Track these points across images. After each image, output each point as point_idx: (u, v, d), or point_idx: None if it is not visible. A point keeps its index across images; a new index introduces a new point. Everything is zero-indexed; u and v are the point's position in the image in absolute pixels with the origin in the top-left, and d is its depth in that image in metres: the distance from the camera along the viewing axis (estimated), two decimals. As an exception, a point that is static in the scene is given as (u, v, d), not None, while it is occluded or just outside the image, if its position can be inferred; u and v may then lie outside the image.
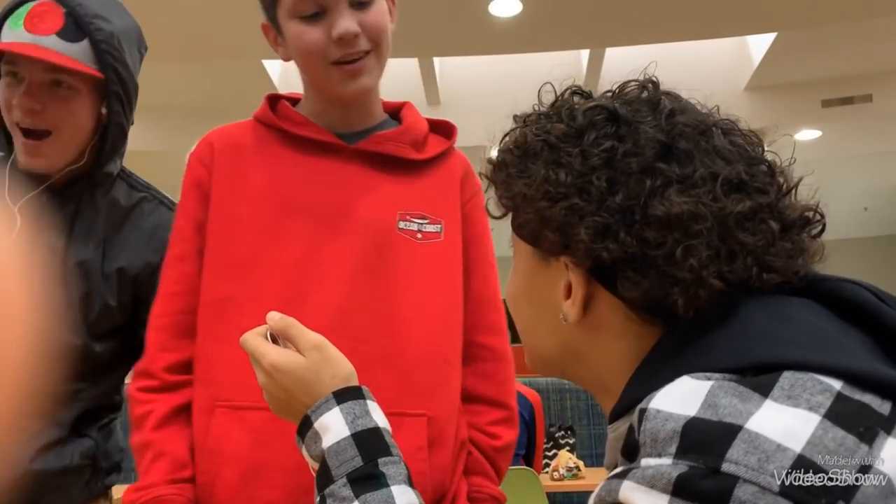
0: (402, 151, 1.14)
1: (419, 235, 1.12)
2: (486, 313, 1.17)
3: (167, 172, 2.27)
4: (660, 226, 0.59)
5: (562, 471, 3.52)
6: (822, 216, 0.65)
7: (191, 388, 1.07)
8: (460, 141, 1.21)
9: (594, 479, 3.56)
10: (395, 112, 1.23)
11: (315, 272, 1.07)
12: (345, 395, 0.77)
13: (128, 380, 1.20)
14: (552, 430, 3.94)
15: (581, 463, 3.61)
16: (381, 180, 1.13)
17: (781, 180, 0.64)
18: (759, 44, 5.74)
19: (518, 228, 0.70)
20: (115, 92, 1.25)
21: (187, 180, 1.15)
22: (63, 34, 1.18)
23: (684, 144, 0.62)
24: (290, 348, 0.80)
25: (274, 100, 1.19)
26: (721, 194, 0.60)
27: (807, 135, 6.46)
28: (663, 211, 0.59)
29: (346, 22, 1.05)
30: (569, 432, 3.98)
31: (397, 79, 6.18)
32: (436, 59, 5.76)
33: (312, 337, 0.79)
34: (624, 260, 0.60)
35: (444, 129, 1.22)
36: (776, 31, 5.24)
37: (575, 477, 3.52)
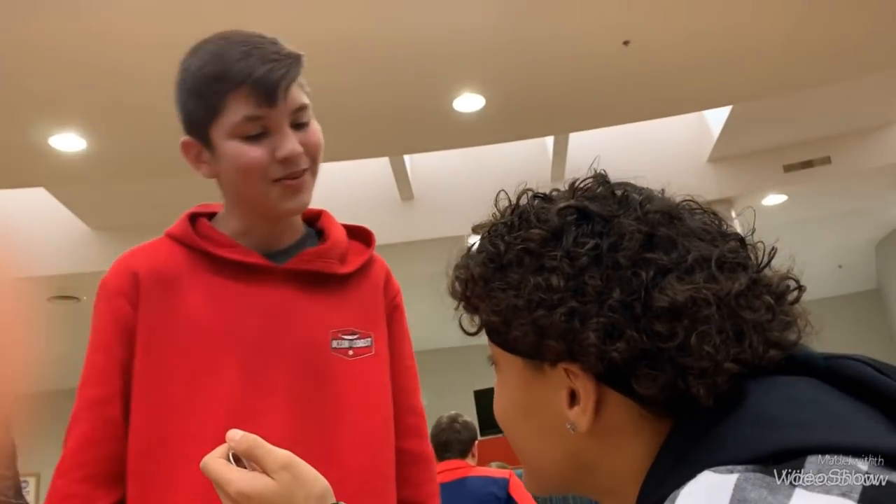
0: (332, 267, 1.13)
1: (351, 353, 1.10)
2: (403, 417, 1.16)
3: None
4: (668, 316, 0.58)
5: (570, 562, 3.39)
6: (798, 282, 0.65)
7: None
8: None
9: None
10: (312, 221, 1.22)
11: (252, 405, 1.03)
12: None
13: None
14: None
15: (588, 552, 3.49)
16: (311, 300, 1.11)
17: (752, 253, 0.65)
18: (716, 117, 5.94)
19: (510, 343, 0.66)
20: None
21: (106, 315, 1.07)
22: None
23: (663, 231, 0.62)
24: (256, 469, 0.73)
25: (191, 217, 1.16)
26: (717, 275, 0.60)
27: (773, 199, 6.61)
28: (668, 301, 0.58)
29: (292, 143, 1.06)
30: (573, 520, 3.86)
31: (370, 176, 6.30)
32: (406, 157, 5.88)
33: (280, 455, 0.72)
34: (635, 357, 0.58)
35: (362, 236, 1.21)
36: (730, 104, 5.44)
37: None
